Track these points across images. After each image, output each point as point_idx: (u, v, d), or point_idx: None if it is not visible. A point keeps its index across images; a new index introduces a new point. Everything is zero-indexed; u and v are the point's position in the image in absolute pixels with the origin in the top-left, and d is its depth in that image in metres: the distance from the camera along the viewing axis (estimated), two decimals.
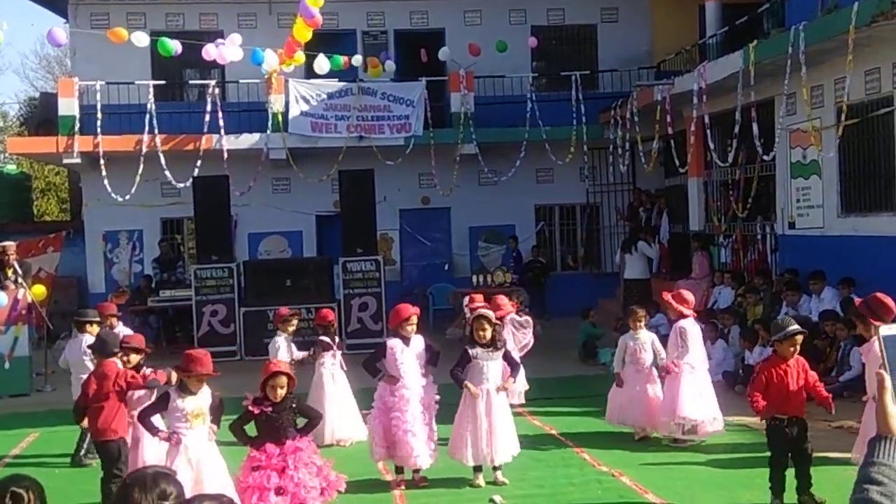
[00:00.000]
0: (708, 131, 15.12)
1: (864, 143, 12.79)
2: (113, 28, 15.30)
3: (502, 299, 11.36)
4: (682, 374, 9.49)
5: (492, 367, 8.28)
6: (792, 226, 14.58)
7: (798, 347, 7.31)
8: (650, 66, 20.34)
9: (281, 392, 6.89)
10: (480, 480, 8.30)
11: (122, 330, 10.28)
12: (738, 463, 8.56)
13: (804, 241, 14.20)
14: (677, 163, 16.27)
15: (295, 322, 10.38)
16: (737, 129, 14.00)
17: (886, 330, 2.19)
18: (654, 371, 9.76)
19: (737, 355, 13.04)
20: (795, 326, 7.35)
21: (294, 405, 7.10)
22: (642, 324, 9.89)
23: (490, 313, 8.41)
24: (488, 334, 8.23)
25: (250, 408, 6.98)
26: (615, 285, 19.10)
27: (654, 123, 16.68)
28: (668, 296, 9.77)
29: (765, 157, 14.03)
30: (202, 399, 6.90)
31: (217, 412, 7.09)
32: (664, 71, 19.40)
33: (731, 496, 7.71)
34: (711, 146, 15.41)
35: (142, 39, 12.72)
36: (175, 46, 13.45)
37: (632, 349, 9.79)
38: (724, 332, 13.50)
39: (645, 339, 9.83)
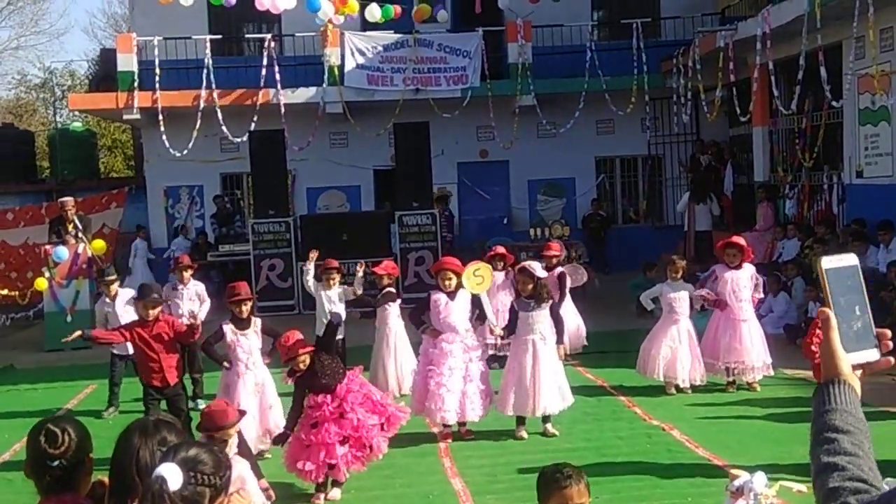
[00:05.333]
0: (773, 78, 14.61)
1: None
2: None
3: (552, 244, 11.32)
4: (720, 320, 9.43)
5: (536, 318, 8.14)
6: (860, 175, 14.07)
7: None
8: (714, 13, 19.73)
9: (303, 365, 6.86)
10: (523, 432, 8.22)
11: (192, 283, 10.51)
12: (793, 417, 8.31)
13: (872, 190, 13.70)
14: (740, 112, 15.79)
15: (336, 277, 10.27)
16: (800, 76, 13.49)
17: (828, 262, 1.93)
18: (690, 324, 9.61)
19: (800, 307, 12.70)
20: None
21: (326, 356, 6.99)
22: (679, 275, 9.70)
23: (532, 266, 8.26)
24: (529, 287, 8.10)
25: (289, 381, 7.05)
26: (678, 238, 18.72)
27: (717, 71, 16.18)
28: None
29: (833, 104, 13.53)
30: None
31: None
32: (728, 17, 18.77)
33: (785, 451, 7.48)
34: (776, 94, 14.90)
35: None
36: None
37: (668, 299, 9.63)
38: (788, 284, 13.16)
39: (682, 289, 9.64)
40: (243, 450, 6.09)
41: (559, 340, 8.37)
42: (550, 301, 8.28)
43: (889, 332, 1.91)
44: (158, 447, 2.88)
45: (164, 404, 8.17)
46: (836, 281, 1.90)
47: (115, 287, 10.04)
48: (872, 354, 1.89)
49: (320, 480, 6.84)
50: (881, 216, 12.75)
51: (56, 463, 3.18)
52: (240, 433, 6.04)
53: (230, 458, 4.02)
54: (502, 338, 8.58)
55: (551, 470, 4.09)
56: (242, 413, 6.02)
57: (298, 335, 7.02)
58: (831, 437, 1.80)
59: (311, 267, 10.24)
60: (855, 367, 1.88)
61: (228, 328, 8.02)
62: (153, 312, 8.00)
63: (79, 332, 8.44)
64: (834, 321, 1.87)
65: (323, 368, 6.87)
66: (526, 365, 8.13)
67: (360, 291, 10.27)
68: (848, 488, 1.72)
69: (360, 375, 7.18)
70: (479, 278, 8.28)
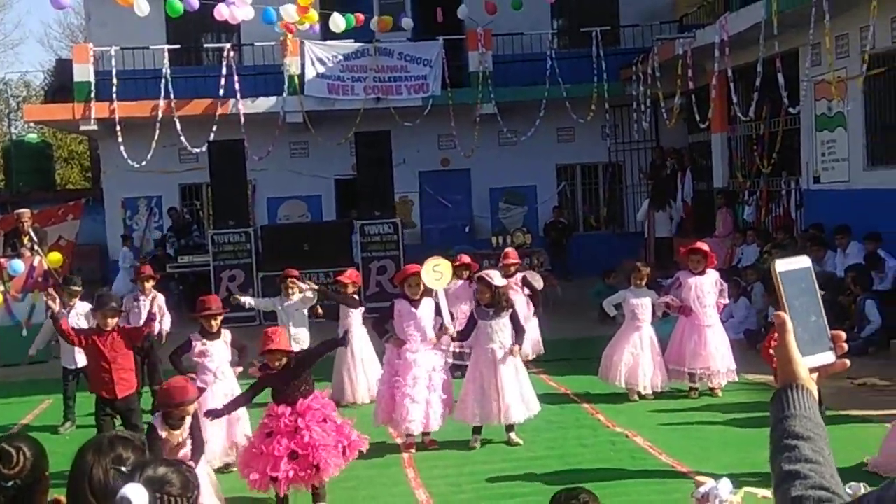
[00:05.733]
0: (731, 85, 14.75)
1: (891, 92, 12.40)
2: None
3: (509, 252, 11.39)
4: (685, 326, 9.46)
5: (496, 327, 8.11)
6: (817, 180, 14.23)
7: None
8: (672, 21, 19.90)
9: (278, 364, 6.75)
10: (476, 443, 8.19)
11: (155, 294, 10.36)
12: (755, 422, 8.32)
13: (829, 195, 13.85)
14: (699, 118, 15.91)
15: (295, 288, 10.21)
16: (758, 82, 13.61)
17: (782, 265, 1.89)
18: (652, 331, 9.65)
19: (759, 312, 12.79)
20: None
21: (302, 369, 6.89)
22: (643, 282, 9.73)
23: (490, 275, 8.23)
24: (487, 296, 8.08)
25: (256, 373, 6.99)
26: (639, 245, 18.83)
27: (676, 79, 16.31)
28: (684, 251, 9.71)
29: (790, 110, 13.66)
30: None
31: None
32: (687, 25, 18.96)
33: (747, 456, 7.48)
34: (735, 100, 15.04)
35: (143, 7, 12.47)
36: (183, 6, 13.23)
37: (631, 306, 9.66)
38: (747, 289, 13.25)
39: (645, 296, 9.68)
40: (195, 433, 6.12)
41: (518, 341, 8.28)
42: (510, 309, 8.24)
43: (843, 335, 1.89)
44: (113, 465, 2.79)
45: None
46: (790, 284, 1.86)
47: (76, 298, 9.84)
48: (828, 357, 1.87)
49: (266, 491, 6.70)
50: (838, 221, 12.89)
51: (11, 483, 3.08)
52: (195, 415, 6.15)
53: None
54: (454, 339, 8.46)
55: (565, 496, 3.92)
56: (201, 391, 6.06)
57: (285, 335, 6.95)
58: (792, 444, 1.76)
59: (244, 300, 10.28)
60: (811, 371, 1.85)
61: (197, 340, 7.93)
62: (111, 322, 7.89)
63: (61, 321, 8.25)
64: (790, 325, 1.83)
65: (295, 379, 6.76)
66: (487, 374, 8.09)
67: (314, 299, 10.21)
68: (811, 497, 1.69)
69: (326, 397, 7.04)
70: (439, 274, 8.23)
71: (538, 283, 11.44)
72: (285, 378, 6.75)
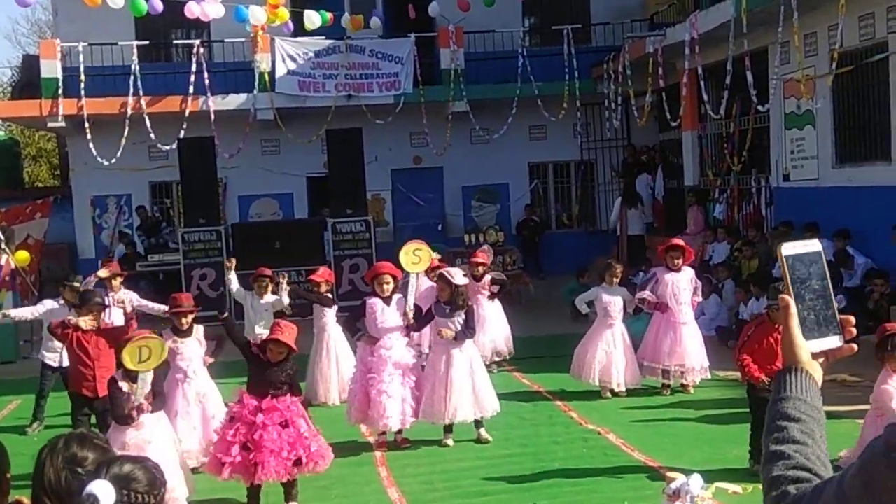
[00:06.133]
0: (701, 83, 14.83)
1: (859, 91, 12.52)
2: None
3: (478, 253, 11.52)
4: (661, 323, 9.51)
5: (451, 325, 8.10)
6: (786, 178, 14.35)
7: None
8: (643, 19, 19.97)
9: (279, 357, 6.76)
10: (449, 440, 8.17)
11: (125, 293, 10.22)
12: (727, 418, 8.40)
13: (799, 192, 13.97)
14: (670, 116, 15.99)
15: (268, 286, 10.16)
16: (728, 80, 13.69)
17: (789, 249, 1.89)
18: (624, 328, 9.69)
19: (730, 309, 12.87)
20: None
21: (289, 370, 6.86)
22: (617, 280, 9.77)
23: (451, 273, 8.22)
24: (446, 294, 8.08)
25: (252, 347, 7.03)
26: (611, 243, 18.90)
27: (647, 77, 16.36)
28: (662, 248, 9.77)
29: (760, 108, 13.75)
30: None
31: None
32: (657, 23, 19.01)
33: (719, 452, 7.55)
34: (705, 98, 15.12)
35: (118, 1, 12.36)
36: (146, 6, 13.12)
37: (604, 303, 9.69)
38: (718, 286, 13.34)
39: (617, 295, 9.71)
40: (157, 388, 6.46)
41: (460, 336, 8.13)
42: (466, 307, 8.20)
43: (853, 319, 1.89)
44: (66, 465, 2.75)
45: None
46: (797, 268, 1.86)
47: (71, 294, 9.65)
48: (834, 342, 1.86)
49: (218, 476, 6.68)
50: (807, 218, 12.98)
51: None
52: (156, 371, 6.43)
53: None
54: (408, 327, 8.40)
55: None
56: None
57: (295, 332, 6.90)
58: (782, 425, 1.77)
59: (232, 276, 10.12)
60: (817, 355, 1.85)
61: (168, 338, 7.84)
62: (91, 319, 7.84)
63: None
64: (793, 308, 1.84)
65: (282, 373, 6.75)
66: (439, 372, 8.09)
67: (286, 302, 10.15)
68: (789, 477, 1.70)
69: (300, 406, 6.97)
70: (417, 258, 8.22)
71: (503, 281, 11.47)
72: (274, 370, 6.75)
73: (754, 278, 12.65)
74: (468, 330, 8.21)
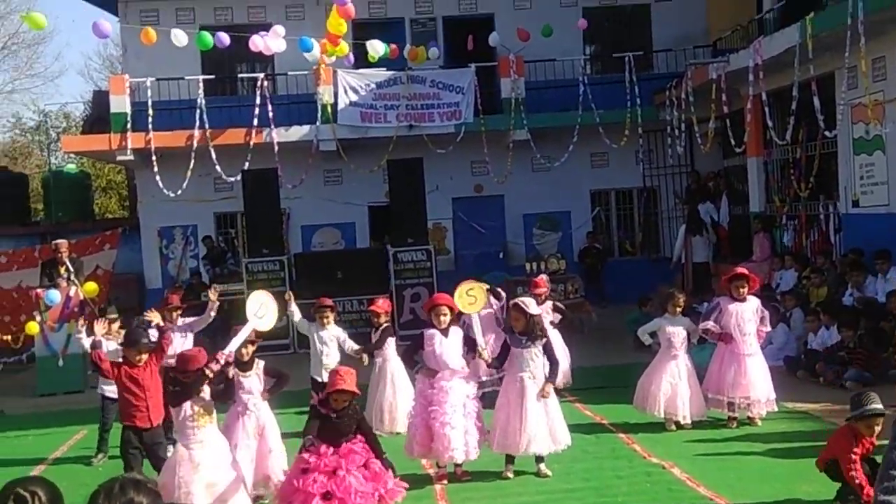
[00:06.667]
0: (766, 109, 14.61)
1: None
2: (161, 24, 15.37)
3: (537, 281, 11.40)
4: (724, 354, 9.29)
5: (527, 356, 8.01)
6: (856, 204, 14.01)
7: (878, 429, 6.49)
8: (706, 45, 19.79)
9: (343, 404, 6.73)
10: (510, 472, 8.08)
11: (183, 320, 10.30)
12: (795, 453, 8.15)
13: (869, 219, 13.63)
14: (734, 143, 15.76)
15: (330, 315, 10.16)
16: (794, 106, 13.46)
17: None
18: (688, 358, 9.50)
19: (798, 338, 12.58)
20: (877, 406, 6.46)
21: (356, 415, 6.86)
22: (679, 310, 9.59)
23: (526, 302, 8.14)
24: (521, 323, 8.00)
25: (319, 408, 6.84)
26: (675, 270, 18.65)
27: (710, 103, 16.19)
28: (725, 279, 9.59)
29: (826, 134, 13.49)
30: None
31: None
32: (720, 49, 18.83)
33: (787, 489, 7.32)
34: (770, 124, 14.90)
35: (181, 39, 12.62)
36: (214, 40, 13.36)
37: (667, 334, 9.51)
38: (786, 315, 13.04)
39: (680, 325, 9.53)
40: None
41: (551, 378, 8.16)
42: (544, 338, 8.14)
43: None
44: None
45: None
46: None
47: (115, 325, 9.86)
48: None
49: None
50: (878, 245, 12.67)
51: None
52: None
53: None
54: (489, 366, 8.37)
55: None
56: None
57: (354, 377, 6.84)
58: (892, 474, 1.71)
59: (293, 308, 10.10)
60: None
61: (232, 369, 7.89)
62: (141, 357, 7.89)
63: (94, 340, 8.28)
64: None
65: (351, 420, 6.73)
66: (514, 403, 8.00)
67: (355, 349, 10.08)
68: None
69: (373, 439, 6.96)
70: (472, 298, 8.17)
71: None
72: (341, 420, 6.69)
73: (823, 306, 12.36)
74: (554, 365, 8.17)
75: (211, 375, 6.90)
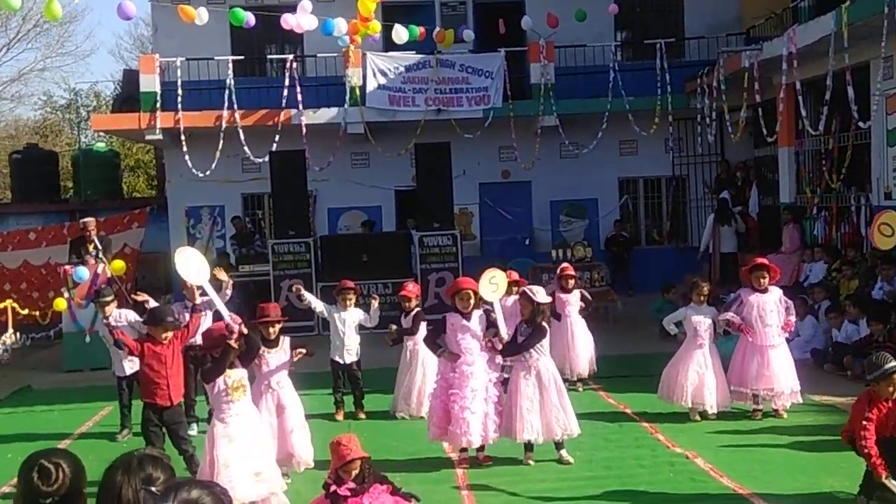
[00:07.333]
0: (799, 98, 14.42)
1: None
2: (192, 4, 15.34)
3: (565, 267, 11.46)
4: (747, 346, 9.26)
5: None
6: (888, 196, 13.81)
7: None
8: (739, 33, 19.55)
9: (355, 472, 5.89)
10: (530, 460, 8.06)
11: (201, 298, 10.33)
12: (820, 446, 8.08)
13: None
14: (766, 132, 15.58)
15: (352, 297, 10.20)
16: (828, 96, 13.27)
17: None
18: (715, 349, 9.42)
19: (826, 331, 12.44)
20: (891, 363, 6.40)
21: (373, 475, 6.03)
22: (704, 299, 9.50)
23: (533, 291, 8.12)
24: (527, 312, 8.01)
25: (339, 492, 5.86)
26: (702, 260, 18.50)
27: (742, 91, 16.01)
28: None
29: (861, 125, 13.30)
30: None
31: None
32: (754, 37, 18.61)
33: (812, 482, 7.26)
34: (803, 114, 14.70)
35: (203, 16, 12.64)
36: (247, 16, 13.36)
37: (693, 323, 9.43)
38: (815, 307, 12.91)
39: (705, 314, 9.44)
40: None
41: (491, 332, 8.02)
42: (544, 326, 8.08)
43: None
44: (143, 486, 2.76)
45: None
46: None
47: (111, 308, 9.85)
48: None
49: None
50: None
51: (49, 500, 3.06)
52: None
53: None
54: (500, 352, 8.32)
55: None
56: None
57: (357, 441, 6.04)
58: None
59: (310, 299, 10.17)
60: None
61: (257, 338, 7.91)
62: (167, 335, 7.91)
63: (116, 332, 8.45)
64: None
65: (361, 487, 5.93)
66: (514, 390, 8.01)
67: (375, 323, 10.15)
68: None
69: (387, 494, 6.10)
70: (495, 286, 8.15)
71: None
72: (362, 479, 5.95)
73: (853, 300, 12.22)
74: (525, 343, 7.97)
75: (236, 346, 6.86)
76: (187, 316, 8.86)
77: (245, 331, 7.03)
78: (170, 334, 7.93)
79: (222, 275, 9.63)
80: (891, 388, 6.39)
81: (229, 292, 9.64)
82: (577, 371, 10.88)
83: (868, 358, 6.78)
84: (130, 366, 9.54)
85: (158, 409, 7.87)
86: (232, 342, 6.78)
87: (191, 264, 7.44)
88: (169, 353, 7.92)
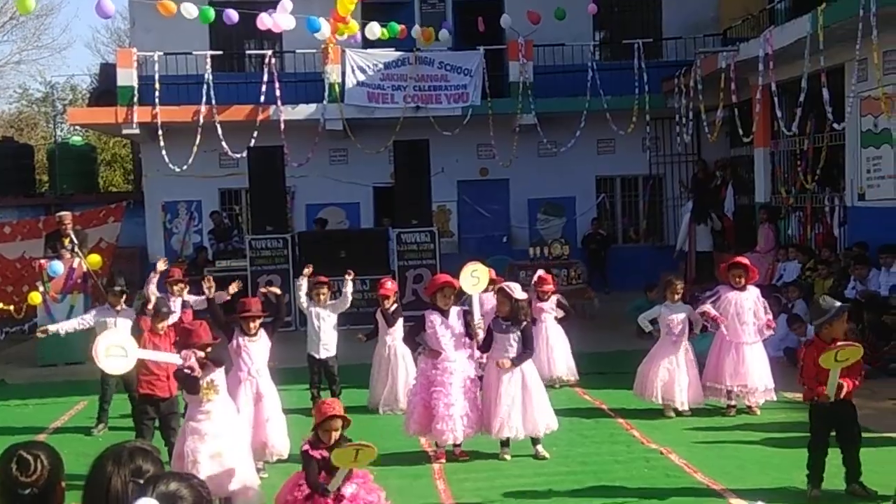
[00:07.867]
0: (775, 99, 14.56)
1: None
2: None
3: (544, 277, 11.45)
4: (722, 343, 9.40)
5: (506, 342, 8.04)
6: (862, 197, 13.98)
7: (846, 325, 6.81)
8: (716, 34, 19.69)
9: (335, 434, 5.97)
10: (507, 455, 8.10)
11: (188, 297, 10.38)
12: (793, 442, 8.15)
13: (874, 213, 13.60)
14: (742, 132, 15.72)
15: (326, 292, 10.25)
16: (802, 97, 13.41)
17: None
18: (690, 346, 9.51)
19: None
20: (837, 303, 6.82)
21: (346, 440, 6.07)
22: (678, 297, 9.60)
23: (511, 287, 8.16)
24: (506, 308, 8.02)
25: (311, 452, 5.97)
26: (678, 259, 18.64)
27: (719, 92, 16.14)
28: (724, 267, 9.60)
29: (835, 126, 13.44)
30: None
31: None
32: (731, 38, 18.75)
33: (784, 477, 7.35)
34: (779, 115, 14.84)
35: (191, 11, 12.59)
36: (213, 14, 13.32)
37: (666, 320, 9.52)
38: (788, 306, 13.03)
39: (681, 311, 9.53)
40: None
41: (516, 360, 8.02)
42: (525, 323, 8.13)
43: None
44: (132, 477, 2.78)
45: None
46: None
47: (122, 300, 9.84)
48: None
49: None
50: (883, 239, 12.65)
51: (28, 491, 3.07)
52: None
53: None
54: (479, 348, 8.36)
55: None
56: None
57: (339, 403, 6.22)
58: None
59: (303, 283, 10.19)
60: None
61: (239, 336, 7.93)
62: (163, 325, 8.14)
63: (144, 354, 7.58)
64: None
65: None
66: (491, 386, 8.06)
67: (348, 305, 10.21)
68: None
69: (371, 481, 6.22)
70: (476, 279, 8.18)
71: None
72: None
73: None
74: (526, 351, 8.12)
75: (202, 372, 6.75)
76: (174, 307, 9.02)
77: (203, 356, 6.89)
78: (166, 324, 8.04)
79: (234, 287, 9.40)
80: (844, 326, 6.73)
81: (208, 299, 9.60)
82: (555, 374, 10.94)
83: (813, 306, 7.14)
84: None
85: (156, 401, 7.96)
86: (197, 374, 6.74)
87: (112, 360, 6.62)
88: (166, 344, 8.01)
